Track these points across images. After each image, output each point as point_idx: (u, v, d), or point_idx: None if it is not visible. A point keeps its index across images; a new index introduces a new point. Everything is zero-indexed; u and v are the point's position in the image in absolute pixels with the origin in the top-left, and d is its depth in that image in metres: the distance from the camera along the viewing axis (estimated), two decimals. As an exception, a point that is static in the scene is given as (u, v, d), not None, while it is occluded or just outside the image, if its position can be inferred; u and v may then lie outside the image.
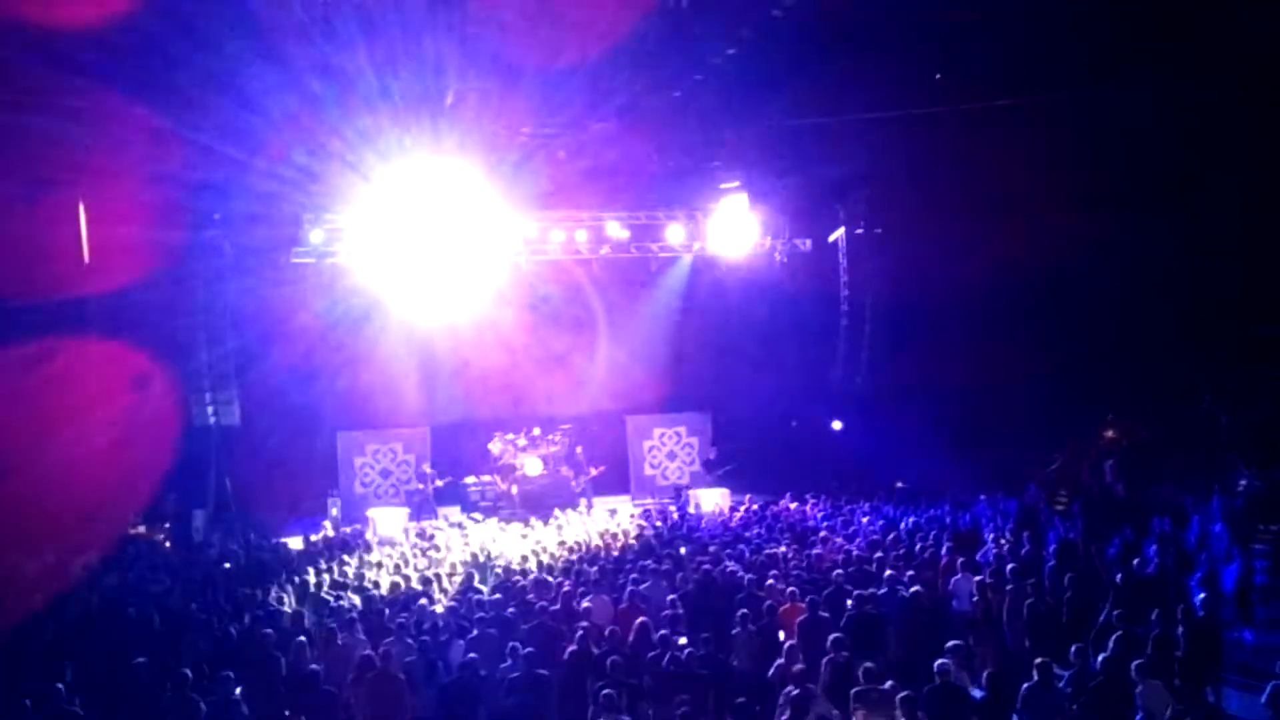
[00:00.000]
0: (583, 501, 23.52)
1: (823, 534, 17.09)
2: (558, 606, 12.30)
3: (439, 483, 23.40)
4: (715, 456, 25.69)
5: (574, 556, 15.93)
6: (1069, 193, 20.88)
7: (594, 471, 24.28)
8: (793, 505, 20.88)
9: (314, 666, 10.50)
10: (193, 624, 12.56)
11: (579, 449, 25.02)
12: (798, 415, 26.85)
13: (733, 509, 21.41)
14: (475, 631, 11.58)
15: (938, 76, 20.67)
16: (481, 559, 16.45)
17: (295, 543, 19.31)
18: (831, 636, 10.41)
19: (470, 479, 24.25)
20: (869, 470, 23.77)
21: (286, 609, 13.33)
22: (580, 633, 10.83)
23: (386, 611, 12.66)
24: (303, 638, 11.32)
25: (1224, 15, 18.27)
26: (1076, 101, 20.02)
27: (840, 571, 13.57)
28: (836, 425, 26.43)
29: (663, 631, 10.99)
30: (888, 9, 17.87)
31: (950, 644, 9.93)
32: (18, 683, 10.25)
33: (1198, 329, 20.59)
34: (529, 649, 10.49)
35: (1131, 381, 20.83)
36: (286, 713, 10.48)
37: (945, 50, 19.53)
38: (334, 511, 22.96)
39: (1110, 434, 21.14)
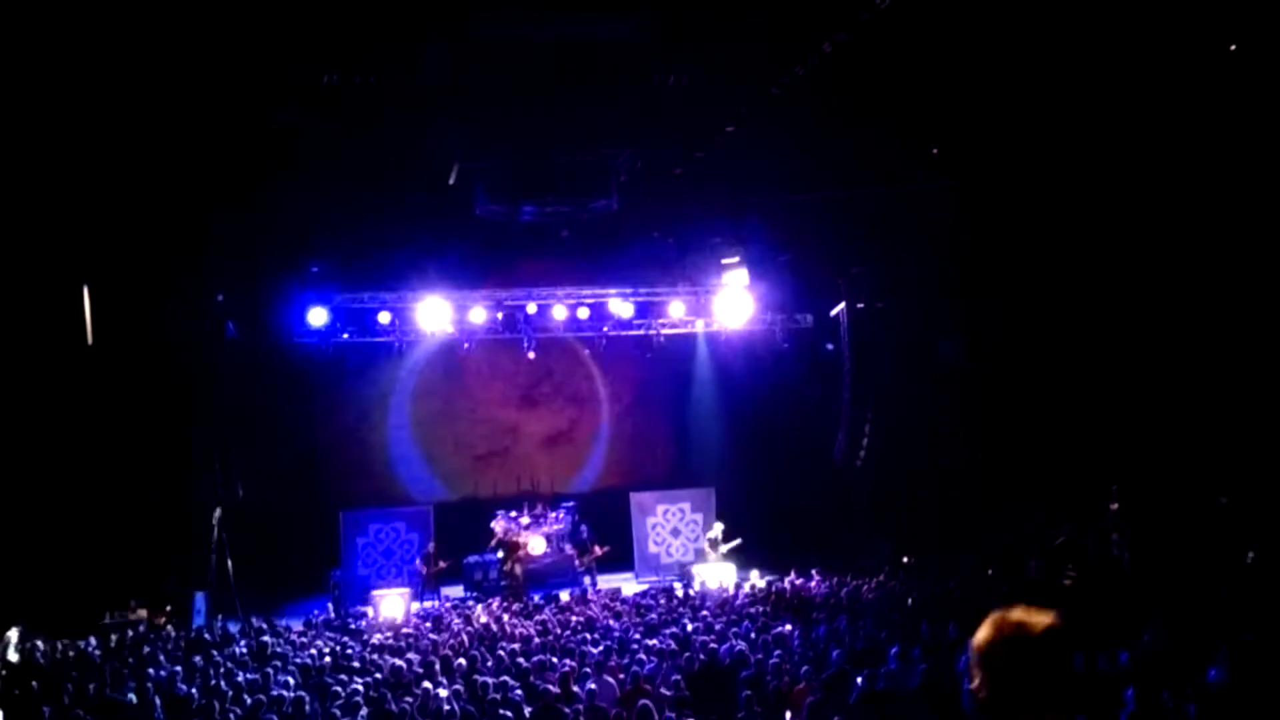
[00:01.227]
0: (587, 580, 23.38)
1: (828, 611, 16.94)
2: (557, 690, 12.13)
3: (442, 564, 23.16)
4: (724, 534, 25.46)
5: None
6: (1073, 266, 20.97)
7: (599, 551, 24.05)
8: (797, 581, 20.70)
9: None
10: (194, 709, 12.40)
11: (583, 527, 24.89)
12: (797, 491, 26.36)
13: (738, 586, 21.24)
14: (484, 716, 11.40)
15: (934, 151, 20.85)
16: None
17: (297, 624, 19.14)
18: (835, 719, 10.25)
19: (473, 558, 24.03)
20: (873, 543, 23.60)
21: (288, 693, 13.15)
22: (576, 716, 10.64)
23: (389, 695, 12.50)
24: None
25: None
26: (1075, 174, 20.13)
27: (847, 650, 13.42)
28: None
29: (670, 716, 10.83)
30: (886, 85, 18.07)
31: None
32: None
33: (1206, 403, 20.47)
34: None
35: (1137, 456, 20.71)
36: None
37: (942, 125, 19.72)
38: (336, 593, 22.76)
39: (1115, 506, 20.99)
